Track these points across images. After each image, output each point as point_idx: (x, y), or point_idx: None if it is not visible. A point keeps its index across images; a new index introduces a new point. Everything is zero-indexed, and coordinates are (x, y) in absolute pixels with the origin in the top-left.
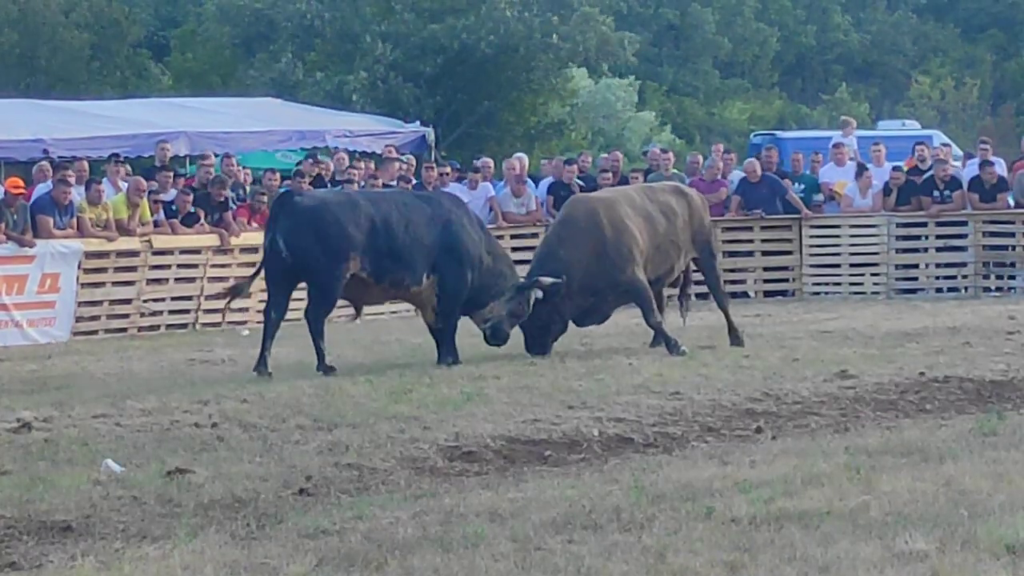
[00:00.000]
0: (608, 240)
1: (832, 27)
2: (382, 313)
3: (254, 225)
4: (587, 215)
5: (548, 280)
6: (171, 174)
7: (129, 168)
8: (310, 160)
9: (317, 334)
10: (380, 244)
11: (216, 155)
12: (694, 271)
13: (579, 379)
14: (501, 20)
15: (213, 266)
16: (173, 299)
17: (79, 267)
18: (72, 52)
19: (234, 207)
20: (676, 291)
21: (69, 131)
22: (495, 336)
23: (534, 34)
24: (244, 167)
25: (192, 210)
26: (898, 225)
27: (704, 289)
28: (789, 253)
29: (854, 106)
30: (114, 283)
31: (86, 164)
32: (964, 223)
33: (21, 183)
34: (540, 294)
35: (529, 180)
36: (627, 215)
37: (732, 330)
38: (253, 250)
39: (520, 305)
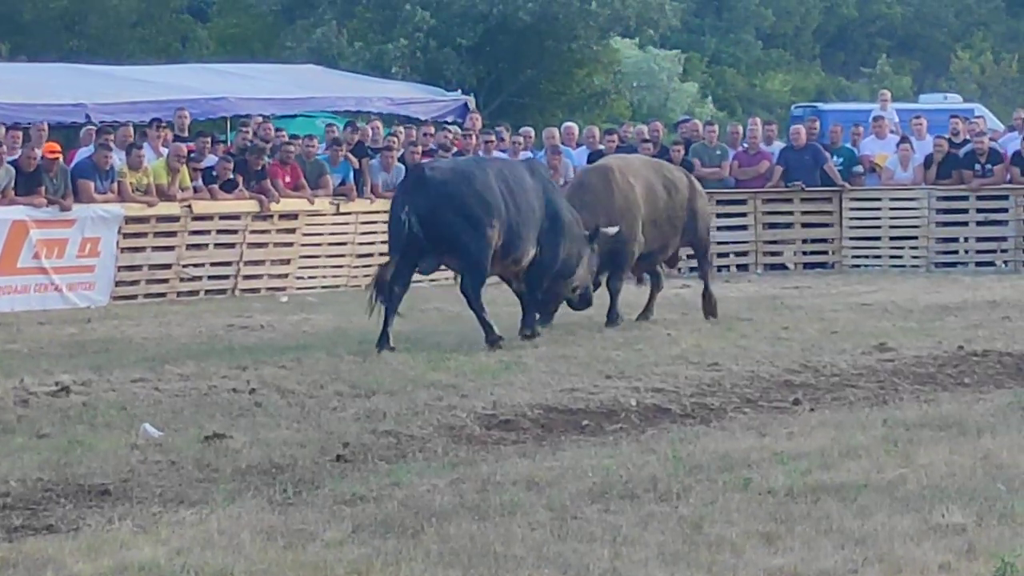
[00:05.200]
0: (619, 210)
1: None
2: (420, 281)
3: (287, 179)
4: (602, 183)
5: (612, 229)
6: (208, 140)
7: (171, 133)
8: (348, 128)
9: (479, 308)
10: (511, 217)
11: (262, 117)
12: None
13: (617, 349)
14: None
15: (252, 232)
16: (212, 264)
17: (119, 232)
18: (118, 18)
19: (268, 162)
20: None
21: (111, 96)
22: (584, 301)
23: (573, 0)
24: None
25: (232, 176)
26: (939, 198)
27: (743, 260)
28: (829, 225)
29: (895, 79)
30: (154, 248)
31: (131, 130)
32: (1005, 197)
33: (58, 147)
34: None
35: (568, 149)
36: (634, 186)
37: (707, 297)
38: (293, 216)
39: (594, 264)
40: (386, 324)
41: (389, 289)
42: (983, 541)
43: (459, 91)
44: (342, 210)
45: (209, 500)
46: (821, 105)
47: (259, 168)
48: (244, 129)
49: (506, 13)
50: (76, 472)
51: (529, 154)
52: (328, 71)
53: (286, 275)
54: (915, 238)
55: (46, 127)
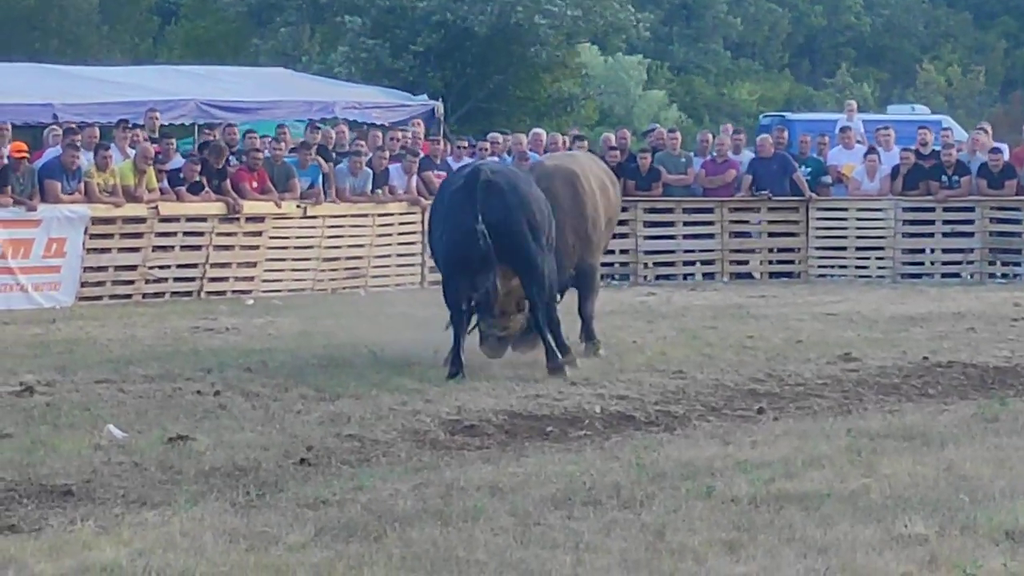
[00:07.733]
0: (590, 221)
1: (843, 9)
2: (387, 286)
3: (255, 184)
4: (568, 188)
5: None
6: (173, 142)
7: (140, 134)
8: (310, 130)
9: (551, 324)
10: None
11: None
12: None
13: (582, 356)
14: None
15: (219, 234)
16: (178, 266)
17: (85, 232)
18: (82, 17)
19: (233, 164)
20: None
21: (78, 96)
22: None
23: (523, 4)
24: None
25: (199, 178)
26: (905, 209)
27: (709, 269)
28: (795, 235)
29: (857, 88)
30: (120, 249)
31: (97, 131)
32: (971, 209)
33: (24, 147)
34: None
35: (535, 156)
36: (594, 188)
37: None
38: (259, 219)
39: None
40: (458, 347)
41: (464, 311)
42: (945, 551)
43: (425, 96)
44: (309, 213)
45: (172, 502)
46: (789, 115)
47: (219, 167)
48: (208, 132)
49: (465, 20)
50: (39, 472)
51: (496, 159)
52: (296, 75)
53: (252, 278)
54: (881, 248)
55: (9, 127)
